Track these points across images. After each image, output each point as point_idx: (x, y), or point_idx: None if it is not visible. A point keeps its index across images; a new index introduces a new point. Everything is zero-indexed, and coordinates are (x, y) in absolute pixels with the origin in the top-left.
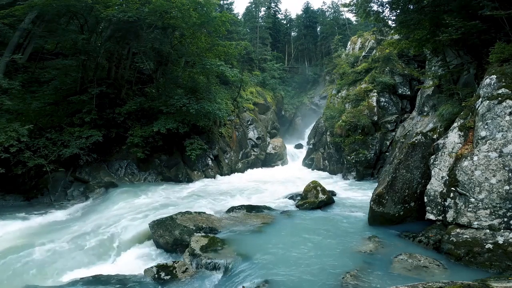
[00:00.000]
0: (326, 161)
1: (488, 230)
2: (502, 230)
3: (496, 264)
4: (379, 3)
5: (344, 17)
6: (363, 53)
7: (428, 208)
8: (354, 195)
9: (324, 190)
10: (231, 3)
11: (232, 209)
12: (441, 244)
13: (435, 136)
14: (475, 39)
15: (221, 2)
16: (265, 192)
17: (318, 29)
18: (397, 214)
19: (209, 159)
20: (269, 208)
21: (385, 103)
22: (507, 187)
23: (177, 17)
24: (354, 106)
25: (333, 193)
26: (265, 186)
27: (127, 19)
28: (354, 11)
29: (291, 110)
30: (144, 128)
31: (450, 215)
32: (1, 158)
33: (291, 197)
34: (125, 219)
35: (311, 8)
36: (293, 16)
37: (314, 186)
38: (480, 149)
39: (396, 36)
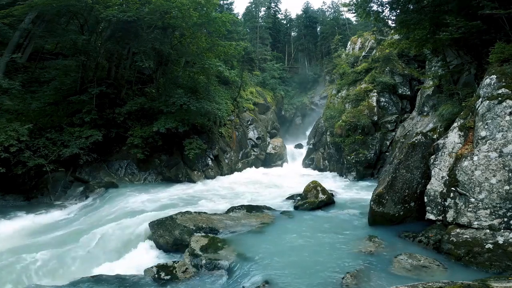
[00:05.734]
0: (326, 161)
1: (488, 230)
2: (502, 230)
3: (496, 264)
4: (379, 3)
5: (344, 17)
6: (363, 53)
7: (428, 208)
8: (354, 195)
9: (324, 190)
10: (231, 3)
11: (232, 209)
12: (441, 244)
13: (435, 136)
14: (475, 39)
15: (221, 2)
16: (265, 192)
17: (318, 29)
18: (397, 214)
19: (209, 159)
20: (269, 208)
21: (385, 103)
22: (507, 187)
23: (177, 17)
24: (354, 106)
25: (333, 193)
26: (265, 186)
27: (127, 19)
28: (354, 11)
29: (291, 110)
30: (144, 128)
31: (450, 215)
32: (1, 157)
33: (291, 197)
34: (124, 219)
35: (311, 8)
36: (293, 16)
37: (314, 186)
38: (480, 149)
39: (396, 36)
